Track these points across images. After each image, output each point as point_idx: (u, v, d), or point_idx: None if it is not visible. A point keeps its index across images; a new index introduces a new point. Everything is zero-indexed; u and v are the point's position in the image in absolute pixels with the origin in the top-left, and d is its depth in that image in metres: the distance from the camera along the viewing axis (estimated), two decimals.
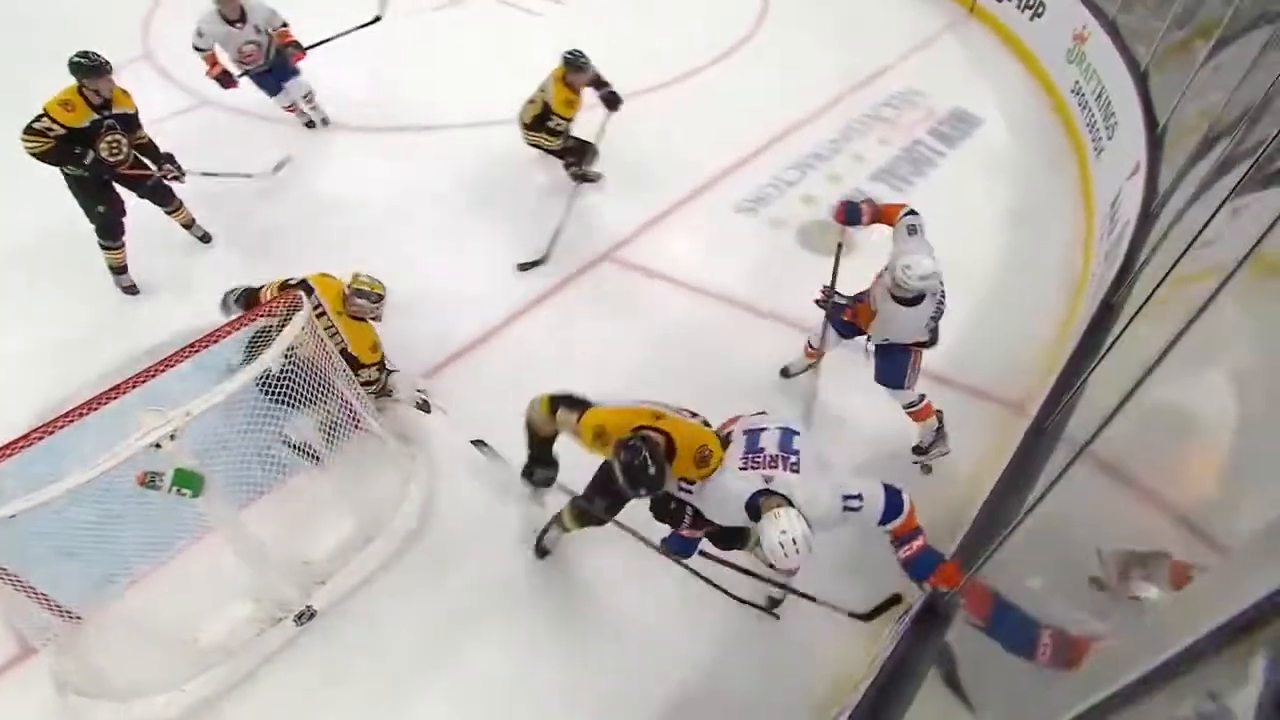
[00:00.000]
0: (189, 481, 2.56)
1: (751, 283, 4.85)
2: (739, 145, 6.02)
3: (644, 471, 2.43)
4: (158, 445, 2.49)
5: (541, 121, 5.14)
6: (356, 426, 3.47)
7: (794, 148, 6.08)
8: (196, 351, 2.83)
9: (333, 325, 3.52)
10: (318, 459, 3.52)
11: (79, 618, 2.75)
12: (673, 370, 4.23)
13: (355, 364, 3.60)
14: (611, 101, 5.17)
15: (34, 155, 4.07)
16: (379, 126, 6.25)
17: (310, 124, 6.14)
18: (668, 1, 8.06)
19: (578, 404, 2.87)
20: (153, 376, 2.66)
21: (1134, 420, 2.33)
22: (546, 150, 5.35)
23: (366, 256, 3.95)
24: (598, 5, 8.00)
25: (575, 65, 4.95)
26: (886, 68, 7.14)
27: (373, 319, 3.65)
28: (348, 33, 6.08)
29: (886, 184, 5.76)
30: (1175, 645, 1.00)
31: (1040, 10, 7.18)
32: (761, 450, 2.61)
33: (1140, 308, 2.77)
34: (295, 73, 5.80)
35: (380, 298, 3.61)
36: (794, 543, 2.32)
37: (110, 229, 4.51)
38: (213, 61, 5.48)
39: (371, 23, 6.21)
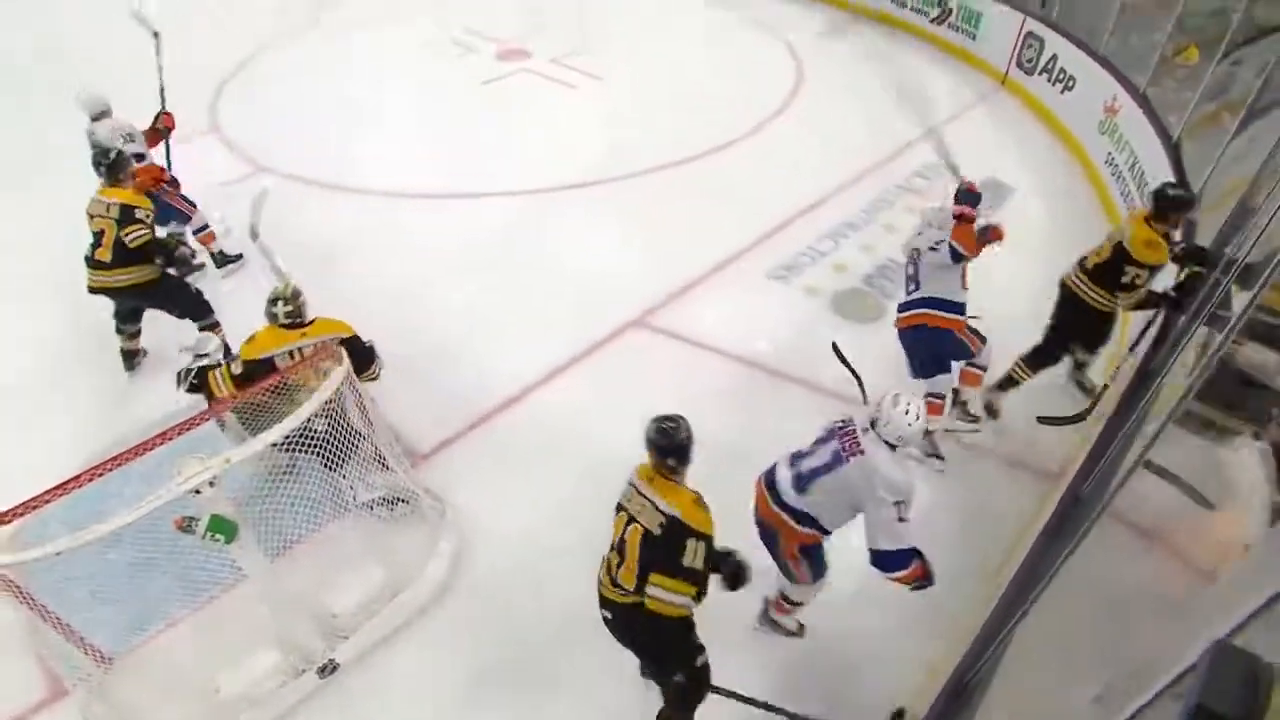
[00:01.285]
0: (223, 528, 2.64)
1: (784, 349, 4.88)
2: (772, 214, 6.15)
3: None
4: (197, 491, 2.58)
5: (1104, 275, 3.84)
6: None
7: (826, 217, 6.20)
8: (235, 404, 2.97)
9: (315, 351, 3.28)
10: (406, 501, 3.66)
11: (110, 660, 2.81)
12: (700, 436, 4.22)
13: (361, 347, 3.51)
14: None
15: (136, 248, 4.12)
16: (418, 194, 6.46)
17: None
18: (702, 76, 8.40)
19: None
20: (195, 426, 2.78)
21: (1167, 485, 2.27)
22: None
23: (406, 315, 4.06)
24: (633, 80, 8.37)
25: (1178, 203, 3.71)
26: (918, 139, 7.26)
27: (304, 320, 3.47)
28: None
29: None
30: None
31: (1071, 84, 7.30)
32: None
33: (1165, 371, 2.73)
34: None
35: (299, 292, 3.46)
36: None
37: (205, 303, 4.47)
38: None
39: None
